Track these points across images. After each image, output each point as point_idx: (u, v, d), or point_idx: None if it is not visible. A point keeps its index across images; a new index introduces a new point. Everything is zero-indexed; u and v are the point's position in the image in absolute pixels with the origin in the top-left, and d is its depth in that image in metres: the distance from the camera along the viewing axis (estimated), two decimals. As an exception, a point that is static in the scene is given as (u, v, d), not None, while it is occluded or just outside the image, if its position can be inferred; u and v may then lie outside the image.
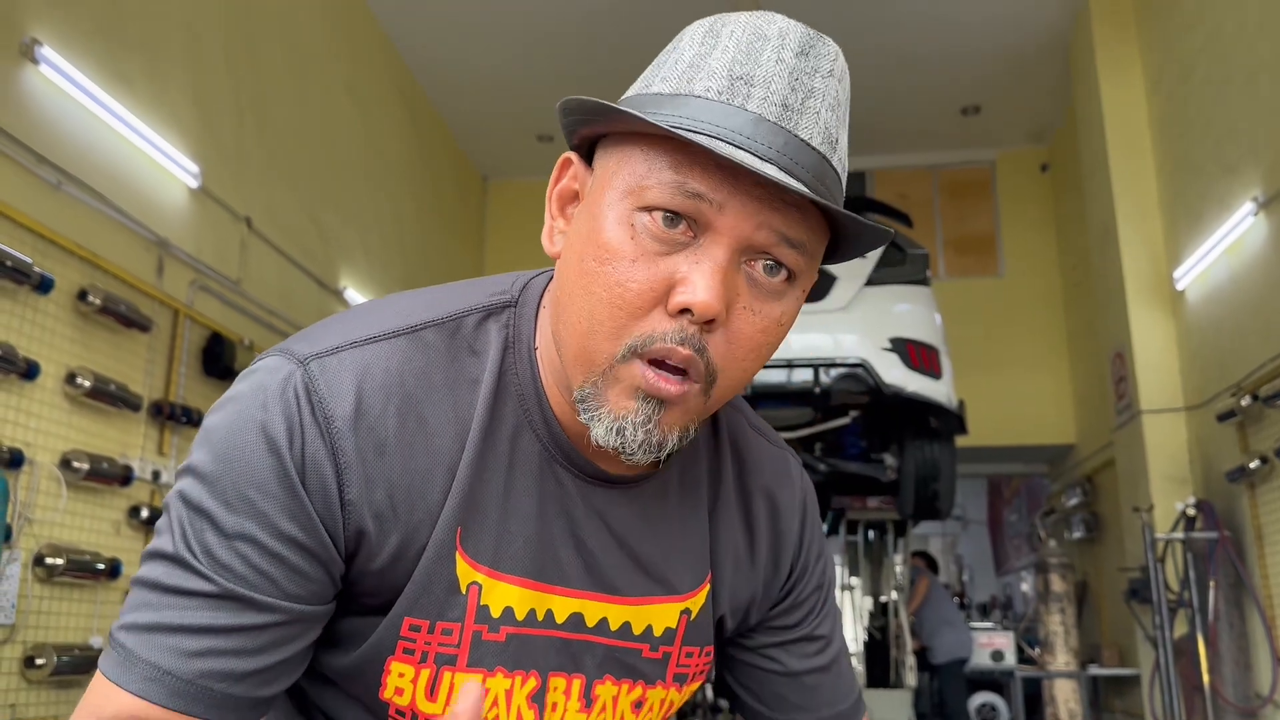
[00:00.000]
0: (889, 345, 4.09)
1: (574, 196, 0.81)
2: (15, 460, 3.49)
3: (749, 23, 0.74)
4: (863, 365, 4.05)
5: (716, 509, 0.92)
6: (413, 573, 0.79)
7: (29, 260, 3.56)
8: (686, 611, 0.90)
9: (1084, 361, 7.97)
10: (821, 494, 5.93)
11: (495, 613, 0.82)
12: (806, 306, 4.25)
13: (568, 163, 0.81)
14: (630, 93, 0.77)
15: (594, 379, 0.75)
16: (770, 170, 0.68)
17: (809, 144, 0.72)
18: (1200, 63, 5.63)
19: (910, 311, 4.25)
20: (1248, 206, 5.02)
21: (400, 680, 0.82)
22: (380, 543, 0.77)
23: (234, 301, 5.06)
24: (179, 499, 0.75)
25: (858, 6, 6.86)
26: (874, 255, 4.29)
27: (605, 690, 0.88)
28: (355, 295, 6.49)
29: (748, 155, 0.69)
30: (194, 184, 4.73)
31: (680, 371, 0.73)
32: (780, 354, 4.21)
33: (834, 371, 4.08)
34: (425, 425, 0.78)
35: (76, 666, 3.76)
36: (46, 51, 3.77)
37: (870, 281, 4.22)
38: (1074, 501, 8.17)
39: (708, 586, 0.91)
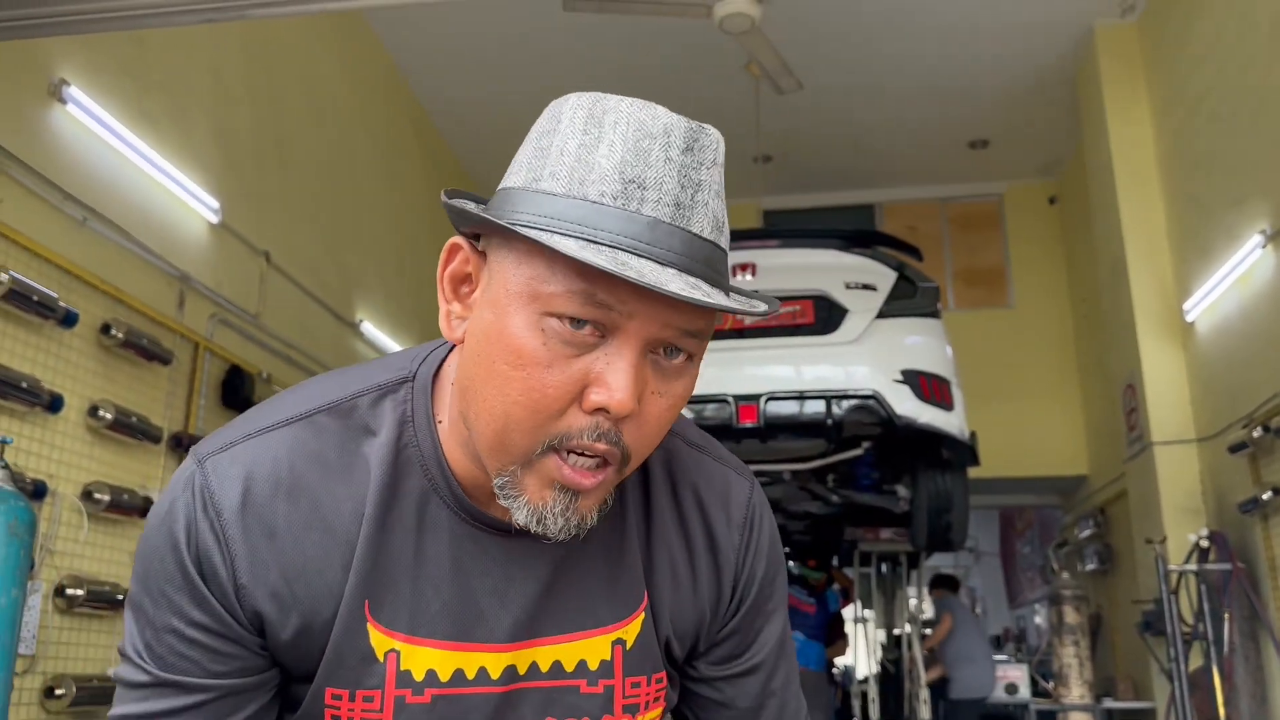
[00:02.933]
0: (900, 377, 4.13)
1: (466, 279, 0.83)
2: (39, 491, 3.54)
3: (632, 116, 0.76)
4: (874, 397, 4.08)
5: (650, 534, 0.93)
6: (326, 646, 0.84)
7: (55, 295, 3.63)
8: (620, 642, 0.91)
9: (1095, 393, 7.98)
10: (834, 525, 5.94)
11: (418, 676, 0.86)
12: (818, 339, 4.30)
13: (457, 248, 0.83)
14: (515, 181, 0.78)
15: (512, 468, 0.79)
16: (673, 286, 0.70)
17: (700, 236, 0.75)
18: (1208, 97, 5.69)
19: (921, 344, 4.29)
20: (1256, 239, 5.06)
21: None
22: (282, 621, 0.83)
23: (253, 335, 5.13)
24: (128, 601, 0.86)
25: (866, 42, 6.95)
26: (884, 288, 4.33)
27: None
28: (371, 328, 6.56)
29: (651, 265, 0.72)
30: (215, 219, 4.81)
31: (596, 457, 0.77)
32: (792, 385, 4.25)
33: (846, 403, 4.11)
34: (319, 506, 0.84)
35: (95, 697, 3.79)
36: (74, 91, 3.86)
37: (881, 314, 4.26)
38: (1087, 533, 8.15)
39: (642, 614, 0.92)
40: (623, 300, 0.73)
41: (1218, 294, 5.58)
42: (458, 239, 0.83)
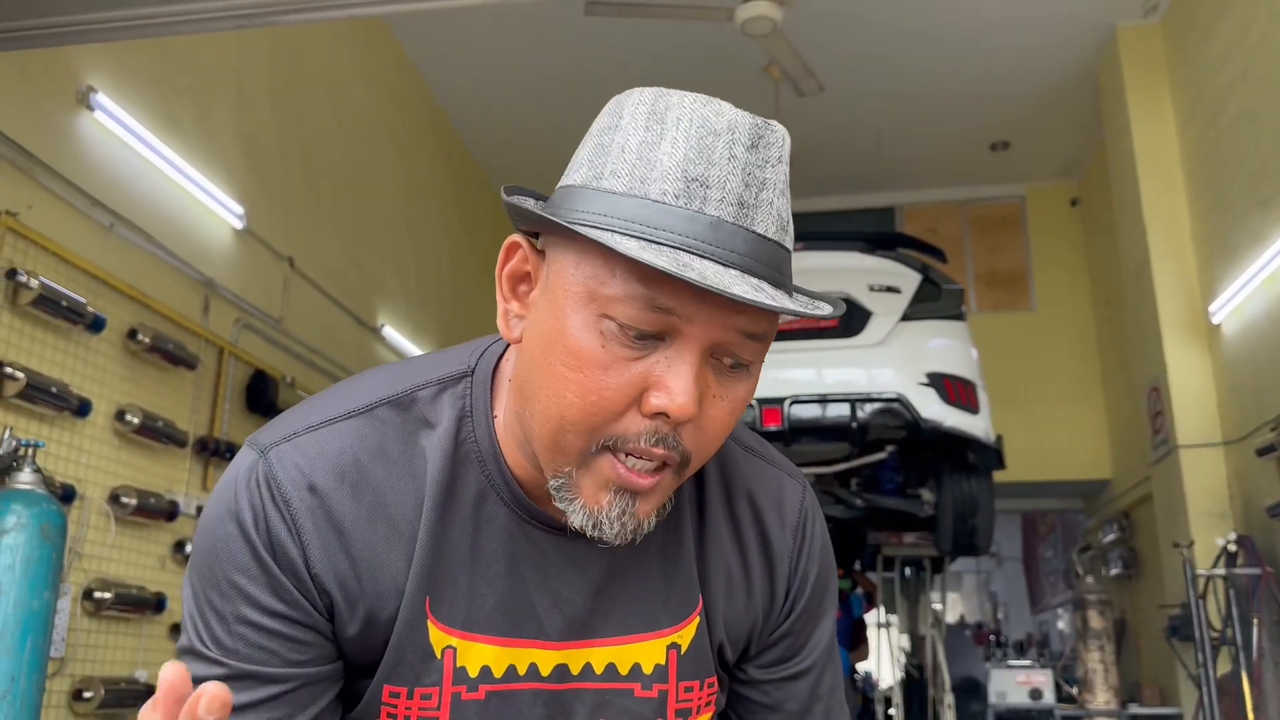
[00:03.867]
0: (926, 380, 4.11)
1: (525, 278, 0.81)
2: (67, 495, 3.56)
3: (695, 113, 0.74)
4: (899, 400, 4.06)
5: (704, 537, 0.92)
6: (388, 641, 0.83)
7: (83, 300, 3.66)
8: (675, 646, 0.90)
9: (1119, 396, 7.92)
10: (858, 529, 5.92)
11: (473, 673, 0.84)
12: (842, 342, 4.28)
13: (516, 246, 0.81)
14: (576, 179, 0.76)
15: (568, 469, 0.77)
16: (737, 289, 0.68)
17: (765, 237, 0.73)
18: (1233, 97, 5.64)
19: (946, 346, 4.27)
20: (1283, 240, 5.01)
21: None
22: (349, 613, 0.82)
23: (276, 339, 5.15)
24: (188, 595, 0.83)
25: (886, 44, 6.93)
26: (908, 291, 4.32)
27: None
28: (393, 333, 6.58)
29: (713, 266, 0.70)
30: (239, 225, 4.84)
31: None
32: (816, 388, 4.23)
33: (870, 406, 4.10)
34: (382, 499, 0.82)
35: (122, 700, 3.81)
36: (101, 98, 3.90)
37: (906, 317, 4.25)
38: (1111, 537, 8.08)
39: (697, 618, 0.91)
40: (684, 303, 0.71)
41: (1244, 296, 5.53)
42: (516, 237, 0.82)
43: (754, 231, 0.73)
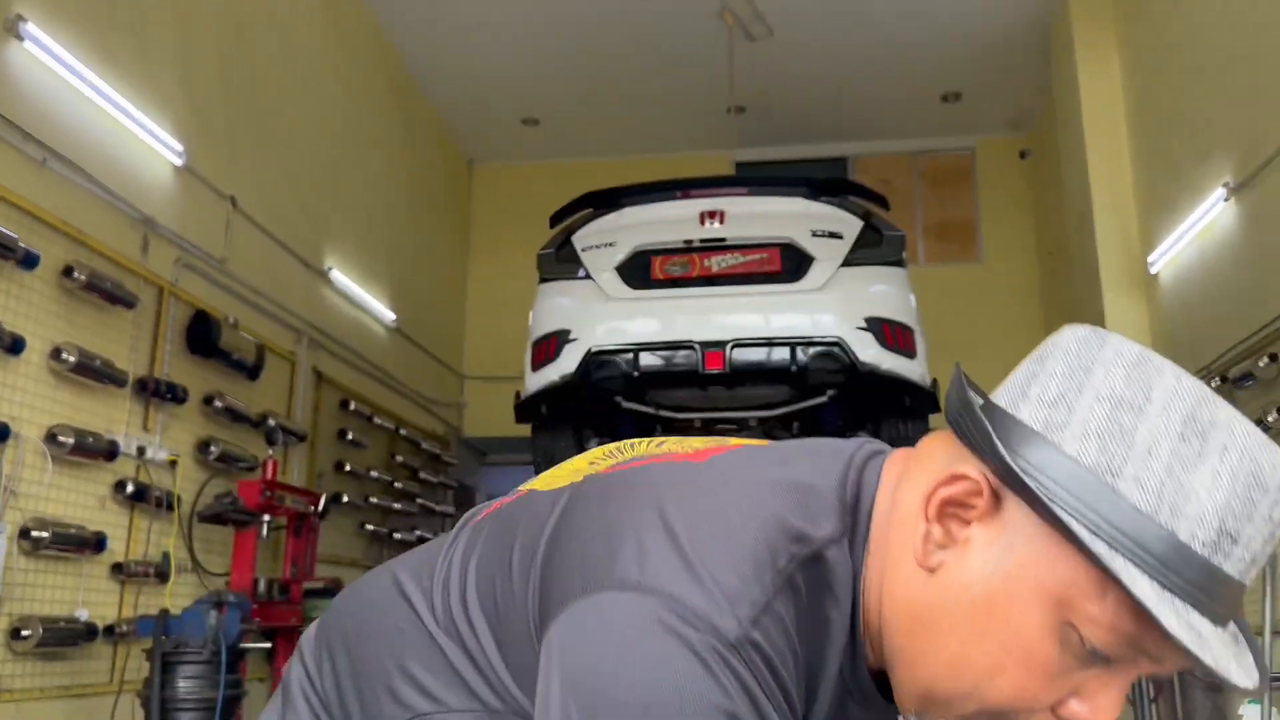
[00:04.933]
0: (864, 324, 4.16)
1: (960, 506, 0.75)
2: (1, 434, 3.53)
3: (1247, 451, 0.68)
4: (838, 344, 4.12)
5: None
6: None
7: (15, 236, 3.59)
8: None
9: (1061, 346, 8.06)
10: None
11: None
12: (784, 286, 4.32)
13: (973, 481, 0.74)
14: (1081, 451, 0.69)
15: (933, 715, 0.76)
16: (1241, 678, 0.68)
17: (1244, 587, 0.71)
18: (1177, 52, 5.71)
19: (886, 292, 4.32)
20: (1219, 192, 5.11)
21: None
22: None
23: (219, 280, 5.09)
24: None
25: (840, -8, 6.91)
26: (850, 237, 4.35)
27: None
28: (340, 276, 6.52)
29: (1209, 627, 0.68)
30: (179, 163, 4.75)
31: None
32: (758, 332, 4.28)
33: (810, 350, 4.15)
34: (793, 673, 0.76)
35: (61, 638, 3.81)
36: (31, 28, 3.80)
37: (847, 262, 4.29)
38: (1050, 484, 8.27)
39: None
40: (1160, 650, 0.69)
41: (1180, 246, 5.65)
42: (979, 477, 0.74)
43: (1243, 584, 0.70)
